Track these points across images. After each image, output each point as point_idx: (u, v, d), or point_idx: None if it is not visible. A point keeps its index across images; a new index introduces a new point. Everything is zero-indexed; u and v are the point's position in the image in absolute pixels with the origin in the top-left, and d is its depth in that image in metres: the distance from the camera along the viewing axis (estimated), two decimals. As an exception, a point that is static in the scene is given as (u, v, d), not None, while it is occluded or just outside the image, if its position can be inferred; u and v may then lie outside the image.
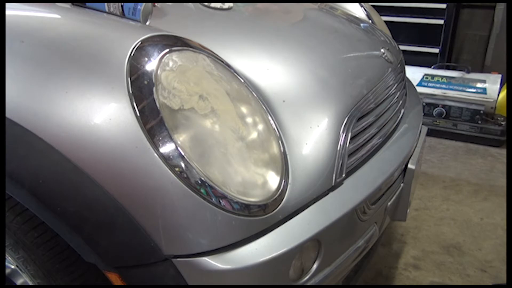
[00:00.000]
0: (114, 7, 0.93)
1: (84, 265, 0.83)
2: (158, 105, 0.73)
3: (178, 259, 0.75)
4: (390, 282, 1.63)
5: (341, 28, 1.42)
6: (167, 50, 0.79)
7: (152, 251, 0.74)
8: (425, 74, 3.08)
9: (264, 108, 0.89)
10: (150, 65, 0.76)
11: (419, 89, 2.93)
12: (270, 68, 1.01)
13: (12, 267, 0.87)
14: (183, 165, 0.72)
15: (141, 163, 0.72)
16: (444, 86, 3.01)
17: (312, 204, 0.88)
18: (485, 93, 2.90)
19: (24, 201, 0.79)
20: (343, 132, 0.97)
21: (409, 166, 1.17)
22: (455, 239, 1.88)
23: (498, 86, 2.90)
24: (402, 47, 1.73)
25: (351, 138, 0.99)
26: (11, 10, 0.86)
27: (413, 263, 1.73)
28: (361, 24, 1.56)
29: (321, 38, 1.25)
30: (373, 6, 1.93)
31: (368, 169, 1.04)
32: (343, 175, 0.95)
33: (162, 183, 0.72)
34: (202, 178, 0.73)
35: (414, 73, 3.06)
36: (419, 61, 3.19)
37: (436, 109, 2.99)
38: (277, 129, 0.89)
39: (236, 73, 0.89)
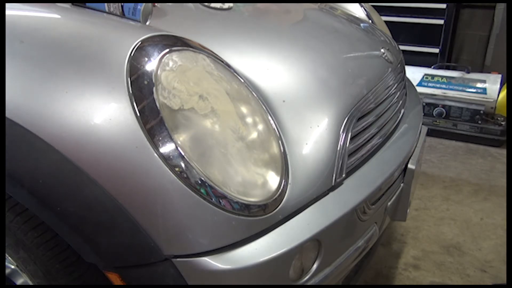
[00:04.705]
0: (114, 7, 0.93)
1: (84, 265, 0.83)
2: (158, 105, 0.73)
3: (178, 259, 0.75)
4: (390, 282, 1.63)
5: (341, 28, 1.42)
6: (167, 50, 0.79)
7: (152, 251, 0.74)
8: (425, 74, 3.08)
9: (264, 108, 0.89)
10: (150, 65, 0.76)
11: (419, 89, 2.93)
12: (270, 68, 1.01)
13: (12, 267, 0.87)
14: (183, 165, 0.72)
15: (141, 163, 0.72)
16: (444, 86, 3.00)
17: (312, 204, 0.88)
18: (485, 93, 2.90)
19: (24, 201, 0.79)
20: (343, 132, 0.97)
21: (409, 166, 1.17)
22: (455, 239, 1.88)
23: (498, 86, 2.90)
24: (402, 47, 1.73)
25: (351, 138, 0.99)
26: (11, 10, 0.86)
27: (413, 263, 1.73)
28: (361, 24, 1.56)
29: (321, 38, 1.25)
30: (373, 6, 1.93)
31: (368, 169, 1.04)
32: (343, 175, 0.95)
33: (162, 183, 0.72)
34: (202, 178, 0.73)
35: (414, 73, 3.06)
36: (419, 61, 3.19)
37: (436, 109, 2.99)
38: (277, 129, 0.89)
39: (236, 73, 0.89)
